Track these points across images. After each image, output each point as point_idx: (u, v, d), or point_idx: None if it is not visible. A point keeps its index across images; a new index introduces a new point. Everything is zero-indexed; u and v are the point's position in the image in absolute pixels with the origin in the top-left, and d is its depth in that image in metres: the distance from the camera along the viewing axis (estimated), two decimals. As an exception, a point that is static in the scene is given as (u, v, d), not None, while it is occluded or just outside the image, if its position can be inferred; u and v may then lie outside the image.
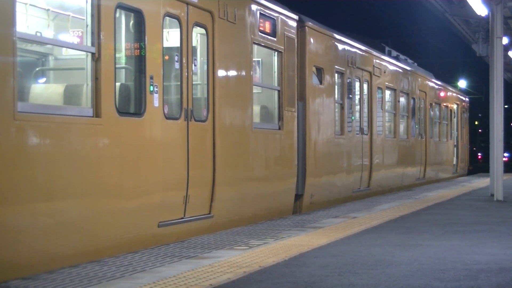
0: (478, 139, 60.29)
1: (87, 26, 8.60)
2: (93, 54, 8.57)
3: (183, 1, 10.40)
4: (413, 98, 24.51)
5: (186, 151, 10.42)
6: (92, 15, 8.56)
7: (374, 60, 20.13)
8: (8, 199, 7.23)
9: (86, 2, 8.60)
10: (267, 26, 13.28)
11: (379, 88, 20.63)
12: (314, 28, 15.73)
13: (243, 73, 12.33)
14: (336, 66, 16.99)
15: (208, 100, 11.19)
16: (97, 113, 8.58)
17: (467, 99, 35.03)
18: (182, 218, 10.35)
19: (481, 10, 17.86)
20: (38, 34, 9.37)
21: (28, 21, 9.31)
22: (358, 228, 10.91)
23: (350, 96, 17.98)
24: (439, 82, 29.11)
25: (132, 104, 9.52)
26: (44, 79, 10.29)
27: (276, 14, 13.69)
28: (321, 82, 16.08)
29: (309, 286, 6.56)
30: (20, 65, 8.40)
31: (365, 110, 19.39)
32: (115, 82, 8.90)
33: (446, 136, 29.74)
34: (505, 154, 41.68)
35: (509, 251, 8.71)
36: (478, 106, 54.40)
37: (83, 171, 8.31)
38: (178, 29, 10.40)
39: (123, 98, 9.27)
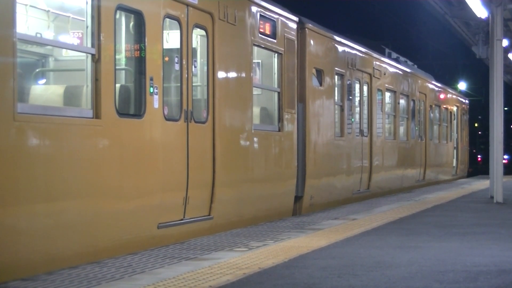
0: (478, 141, 60.32)
1: (87, 27, 8.60)
2: (93, 55, 8.57)
3: (183, 3, 10.40)
4: (413, 100, 24.51)
5: (186, 153, 10.42)
6: (92, 17, 8.56)
7: (374, 62, 20.13)
8: (7, 200, 7.23)
9: (86, 3, 8.60)
10: (267, 28, 13.28)
11: (379, 90, 20.63)
12: (314, 29, 15.74)
13: (243, 74, 12.33)
14: (336, 68, 16.99)
15: (208, 101, 11.19)
16: (97, 114, 8.58)
17: (467, 101, 35.04)
18: (181, 220, 10.35)
19: (481, 12, 17.86)
20: (38, 35, 9.37)
21: (28, 22, 9.31)
22: (357, 230, 10.91)
23: (350, 98, 17.99)
24: (439, 84, 29.12)
25: (132, 105, 9.52)
26: (44, 80, 10.29)
27: (276, 16, 13.69)
28: (321, 84, 16.08)
29: (309, 288, 6.57)
30: (20, 66, 8.40)
31: (365, 112, 19.39)
32: (115, 83, 8.90)
33: (446, 138, 29.74)
34: (505, 156, 41.71)
35: (508, 253, 8.70)
36: (478, 108, 54.47)
37: (83, 172, 8.31)
38: (178, 31, 10.41)
39: (123, 99, 9.26)
